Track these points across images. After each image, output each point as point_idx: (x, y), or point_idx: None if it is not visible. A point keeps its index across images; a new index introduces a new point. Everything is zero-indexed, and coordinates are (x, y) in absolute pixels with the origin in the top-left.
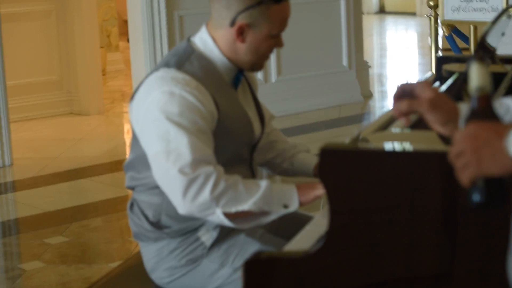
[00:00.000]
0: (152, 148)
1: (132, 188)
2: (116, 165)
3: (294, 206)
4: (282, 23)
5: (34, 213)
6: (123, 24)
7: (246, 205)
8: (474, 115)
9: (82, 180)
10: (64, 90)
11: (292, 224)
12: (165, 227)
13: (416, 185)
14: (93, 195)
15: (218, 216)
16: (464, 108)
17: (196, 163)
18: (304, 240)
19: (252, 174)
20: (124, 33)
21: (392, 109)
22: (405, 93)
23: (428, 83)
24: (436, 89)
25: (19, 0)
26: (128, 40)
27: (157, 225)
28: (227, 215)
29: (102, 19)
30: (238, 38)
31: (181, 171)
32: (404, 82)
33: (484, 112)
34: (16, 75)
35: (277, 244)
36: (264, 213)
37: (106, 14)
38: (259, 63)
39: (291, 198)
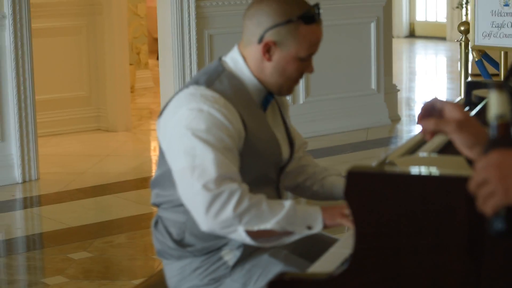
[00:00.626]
0: (177, 164)
1: (158, 205)
2: (141, 182)
3: (318, 228)
4: (312, 45)
5: (58, 228)
6: (153, 42)
7: (269, 224)
8: (494, 143)
9: (107, 196)
10: (92, 106)
11: (316, 245)
12: (189, 246)
13: (442, 210)
14: (118, 212)
15: (240, 234)
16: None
17: (221, 179)
18: (329, 262)
19: (278, 196)
20: (153, 51)
21: (420, 124)
22: (434, 109)
23: (457, 104)
24: (465, 111)
25: (50, 15)
26: (157, 58)
27: (180, 243)
28: (249, 233)
29: (133, 37)
30: (265, 55)
31: (205, 186)
32: (435, 98)
33: (504, 140)
34: (46, 90)
35: (300, 266)
36: (287, 233)
37: (136, 32)
38: (286, 86)
39: (315, 220)
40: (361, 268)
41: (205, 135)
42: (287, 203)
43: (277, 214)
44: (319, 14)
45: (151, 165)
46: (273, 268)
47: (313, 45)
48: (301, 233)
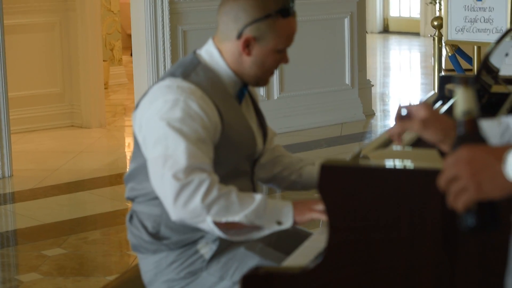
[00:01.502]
0: (151, 153)
1: (132, 199)
2: (116, 179)
3: (287, 224)
4: (289, 38)
5: (32, 224)
6: (127, 38)
7: (237, 217)
8: (462, 140)
9: (81, 193)
10: (66, 102)
11: (292, 239)
12: (164, 239)
13: (416, 203)
14: (92, 208)
15: (208, 225)
16: None
17: (191, 169)
18: (303, 256)
19: (253, 189)
20: (127, 47)
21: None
22: (405, 114)
23: (423, 103)
24: (430, 109)
25: (23, 12)
26: (131, 54)
27: (156, 236)
28: (218, 225)
29: (106, 33)
30: (244, 51)
31: (175, 176)
32: (405, 104)
33: (471, 136)
34: (19, 86)
35: (277, 259)
36: (256, 227)
37: (110, 28)
38: (264, 78)
39: (285, 215)
40: (335, 262)
41: (179, 125)
42: (258, 197)
43: (246, 207)
44: (293, 5)
45: (125, 161)
46: (249, 261)
47: (290, 37)
48: (270, 228)
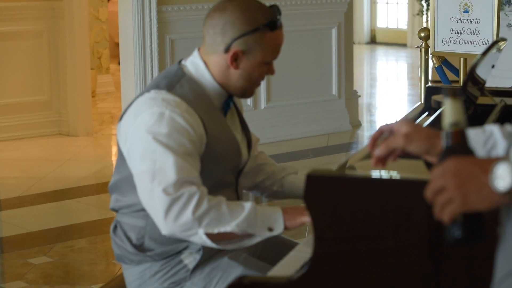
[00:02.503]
0: (138, 167)
1: (116, 210)
2: (102, 187)
3: (279, 230)
4: (276, 50)
5: (18, 232)
6: (115, 47)
7: (229, 227)
8: (449, 151)
9: (68, 201)
10: (53, 110)
11: (276, 249)
12: (148, 250)
13: (401, 214)
14: (79, 216)
15: (200, 237)
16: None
17: (180, 183)
18: (288, 266)
19: (237, 199)
20: (115, 55)
21: (372, 158)
22: (384, 133)
23: (403, 120)
24: (412, 123)
25: (11, 19)
26: (119, 63)
27: (140, 248)
28: (210, 236)
29: (94, 41)
30: (232, 64)
31: (165, 191)
32: (385, 124)
33: (459, 147)
34: (5, 94)
35: (260, 268)
36: (248, 235)
37: (97, 36)
38: (250, 89)
39: (276, 222)
40: (321, 272)
41: (165, 139)
42: (247, 205)
43: (237, 217)
44: (280, 18)
45: (112, 170)
46: (233, 271)
47: (277, 49)
48: (262, 235)
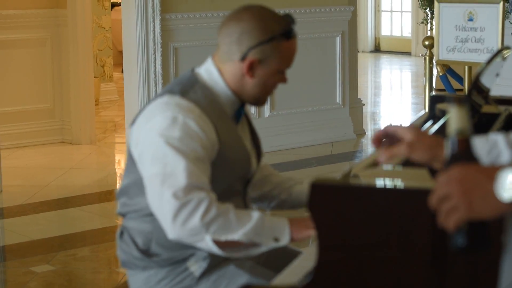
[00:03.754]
0: (148, 170)
1: (123, 215)
2: (105, 195)
3: (285, 241)
4: (290, 59)
5: (21, 240)
6: (118, 55)
7: (236, 235)
8: (454, 158)
9: (71, 209)
10: (56, 118)
11: (281, 257)
12: (155, 255)
13: (405, 222)
14: (82, 225)
15: (207, 243)
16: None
17: (190, 188)
18: (292, 275)
19: (245, 208)
20: (118, 63)
21: (377, 158)
22: (387, 135)
23: (408, 126)
24: (416, 130)
25: (14, 27)
26: (122, 71)
27: (146, 253)
28: (217, 243)
29: (97, 49)
30: (248, 73)
31: (175, 195)
32: (387, 126)
33: (464, 155)
34: (9, 102)
35: (266, 276)
36: (254, 244)
37: (101, 44)
38: (263, 97)
39: (282, 232)
40: (325, 281)
41: (177, 143)
42: (255, 214)
43: (244, 225)
44: (295, 27)
45: (115, 178)
46: (239, 279)
47: (292, 58)
48: (268, 244)
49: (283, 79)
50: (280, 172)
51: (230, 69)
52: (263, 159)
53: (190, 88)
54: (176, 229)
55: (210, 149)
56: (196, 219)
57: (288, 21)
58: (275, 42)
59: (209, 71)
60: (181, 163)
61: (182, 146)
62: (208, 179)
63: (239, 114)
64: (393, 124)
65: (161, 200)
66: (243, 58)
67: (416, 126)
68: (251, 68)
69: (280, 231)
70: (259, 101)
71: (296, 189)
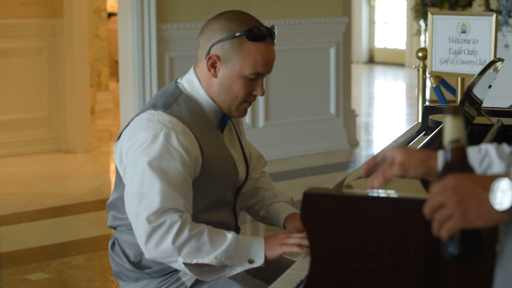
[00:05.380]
0: (128, 187)
1: (114, 228)
2: (100, 204)
3: (259, 262)
4: (257, 64)
5: (16, 248)
6: (114, 65)
7: (207, 258)
8: (449, 168)
9: (66, 218)
10: (52, 127)
11: (273, 267)
12: (146, 268)
13: (398, 232)
14: (77, 233)
15: (180, 265)
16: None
17: (163, 210)
18: (284, 284)
19: (234, 218)
20: (114, 73)
21: (370, 184)
22: (377, 163)
23: (395, 147)
24: (404, 149)
25: (10, 36)
26: (118, 80)
27: (138, 265)
28: (188, 266)
29: (94, 59)
30: (210, 71)
31: (148, 218)
32: (375, 155)
33: (459, 164)
34: (5, 110)
35: (257, 287)
36: (228, 266)
37: (97, 54)
38: (234, 105)
39: (257, 253)
40: None
41: (156, 163)
42: (230, 236)
43: (217, 248)
44: (270, 35)
45: (110, 187)
46: None
47: (259, 65)
48: (243, 266)
49: (257, 90)
50: (274, 182)
51: (202, 70)
52: (263, 165)
53: (173, 101)
54: (150, 251)
55: (192, 166)
56: (168, 242)
57: (256, 23)
58: (236, 40)
59: (190, 81)
60: (157, 184)
61: (161, 166)
62: (187, 198)
63: (224, 122)
64: (378, 152)
65: (136, 221)
66: (207, 55)
67: (402, 144)
68: (213, 66)
69: (254, 252)
70: (230, 109)
71: (274, 208)
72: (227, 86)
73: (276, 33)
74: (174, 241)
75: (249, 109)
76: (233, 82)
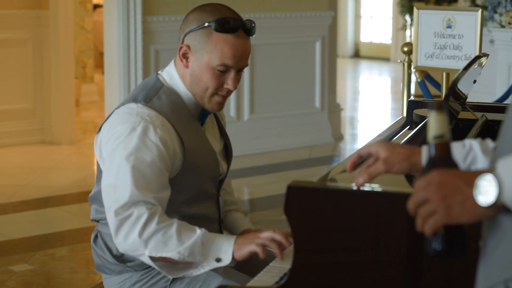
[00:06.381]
0: (104, 180)
1: (97, 221)
2: (84, 196)
3: (226, 261)
4: (225, 56)
5: (0, 239)
6: (99, 56)
7: (170, 253)
8: (433, 163)
9: (50, 209)
10: (36, 119)
11: (256, 260)
12: (128, 261)
13: (382, 226)
14: (60, 225)
15: (147, 259)
16: (425, 149)
17: (132, 203)
18: (268, 277)
19: (218, 210)
20: (99, 65)
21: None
22: (361, 157)
23: (380, 142)
24: (388, 144)
25: None
26: (103, 72)
27: (120, 258)
28: (154, 259)
29: (79, 50)
30: (182, 61)
31: (116, 211)
32: (359, 149)
33: (443, 159)
34: None
35: (239, 279)
36: (194, 264)
37: (82, 46)
38: (207, 98)
39: (225, 252)
40: (300, 283)
41: (132, 156)
42: (198, 233)
43: (183, 243)
44: (243, 28)
45: (94, 179)
46: (212, 281)
47: (227, 57)
48: (210, 265)
49: (228, 84)
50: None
51: (178, 62)
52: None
53: (154, 95)
54: (120, 244)
55: (169, 159)
56: (134, 235)
57: (230, 16)
58: (204, 30)
59: (170, 74)
60: (130, 177)
61: (136, 158)
62: (162, 191)
63: (204, 115)
64: (364, 146)
65: (109, 213)
66: (180, 46)
67: (386, 140)
68: (184, 56)
69: (223, 251)
70: (203, 101)
71: (232, 217)
72: (197, 77)
73: (254, 28)
74: (141, 233)
75: (233, 103)
76: (202, 73)
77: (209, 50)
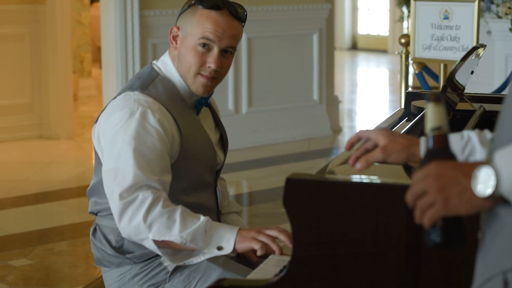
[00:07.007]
0: (104, 166)
1: (95, 214)
2: (83, 190)
3: (227, 250)
4: (206, 30)
5: None
6: (97, 51)
7: (173, 236)
8: (431, 155)
9: (49, 204)
10: (35, 113)
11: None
12: (128, 252)
13: (380, 218)
14: (60, 219)
15: (150, 243)
16: (423, 141)
17: (136, 187)
18: (267, 270)
19: (215, 200)
20: (97, 59)
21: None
22: (360, 139)
23: (381, 130)
24: (388, 133)
25: None
26: (101, 67)
27: (119, 250)
28: (157, 243)
29: (76, 45)
30: (172, 43)
31: (120, 194)
32: (360, 131)
33: (441, 151)
34: None
35: (239, 271)
36: (196, 250)
37: (80, 40)
38: (190, 78)
39: (227, 241)
40: (299, 276)
41: (132, 140)
42: (202, 219)
43: (186, 228)
44: (230, 9)
45: (93, 173)
46: (212, 273)
47: (208, 30)
48: (211, 252)
49: (211, 62)
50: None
51: (171, 49)
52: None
53: (150, 83)
54: (124, 228)
55: (169, 143)
56: (139, 218)
57: None
58: (191, 8)
59: (164, 63)
60: (132, 161)
61: (136, 143)
62: (163, 175)
63: (199, 104)
64: (365, 129)
65: (112, 198)
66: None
67: (387, 128)
68: (174, 38)
69: (225, 240)
70: (188, 83)
71: (227, 219)
72: (182, 56)
73: (243, 14)
74: (145, 216)
75: (231, 96)
76: (186, 51)
77: (192, 26)
